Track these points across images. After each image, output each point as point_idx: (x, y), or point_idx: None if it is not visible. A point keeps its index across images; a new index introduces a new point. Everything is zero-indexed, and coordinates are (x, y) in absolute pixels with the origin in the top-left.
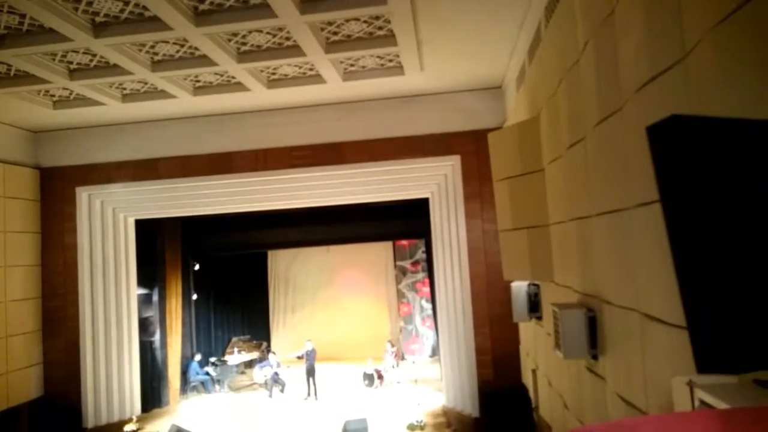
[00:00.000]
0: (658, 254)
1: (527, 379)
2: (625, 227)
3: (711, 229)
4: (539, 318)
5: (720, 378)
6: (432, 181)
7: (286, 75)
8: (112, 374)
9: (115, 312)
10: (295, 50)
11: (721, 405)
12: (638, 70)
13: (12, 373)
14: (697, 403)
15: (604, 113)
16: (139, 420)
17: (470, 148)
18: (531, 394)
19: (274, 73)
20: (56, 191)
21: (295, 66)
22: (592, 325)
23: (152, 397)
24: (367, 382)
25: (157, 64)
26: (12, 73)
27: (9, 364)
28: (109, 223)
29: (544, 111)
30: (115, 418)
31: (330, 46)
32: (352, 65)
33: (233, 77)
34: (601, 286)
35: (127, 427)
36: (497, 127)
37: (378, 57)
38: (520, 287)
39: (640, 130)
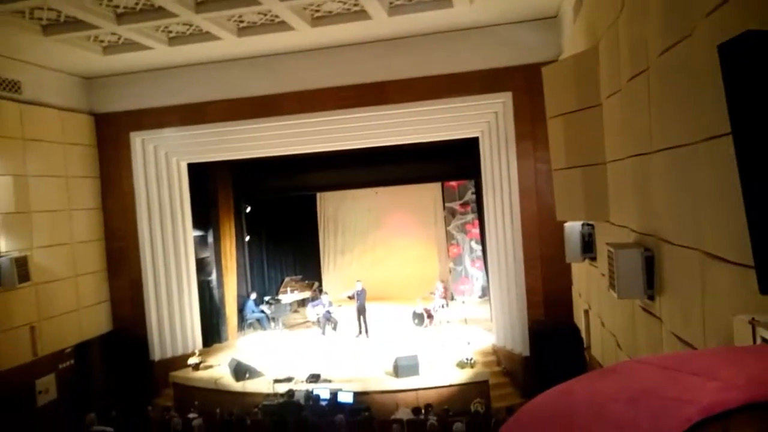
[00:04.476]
0: (723, 191)
1: (579, 320)
2: (688, 163)
3: None
4: (593, 258)
5: None
6: (482, 119)
7: (329, 12)
8: (174, 311)
9: (173, 253)
10: None
11: None
12: None
13: (83, 309)
14: (758, 341)
15: (670, 41)
16: (201, 354)
17: (522, 84)
18: (582, 334)
19: (317, 11)
20: (111, 137)
21: (339, 2)
22: (649, 264)
23: (212, 332)
24: (416, 321)
25: (200, 5)
26: (62, 19)
27: (80, 301)
28: (162, 168)
29: (603, 41)
30: (179, 352)
31: None
32: None
33: (277, 16)
34: (660, 225)
35: (191, 360)
36: (552, 60)
37: None
38: (573, 227)
39: (710, 58)
